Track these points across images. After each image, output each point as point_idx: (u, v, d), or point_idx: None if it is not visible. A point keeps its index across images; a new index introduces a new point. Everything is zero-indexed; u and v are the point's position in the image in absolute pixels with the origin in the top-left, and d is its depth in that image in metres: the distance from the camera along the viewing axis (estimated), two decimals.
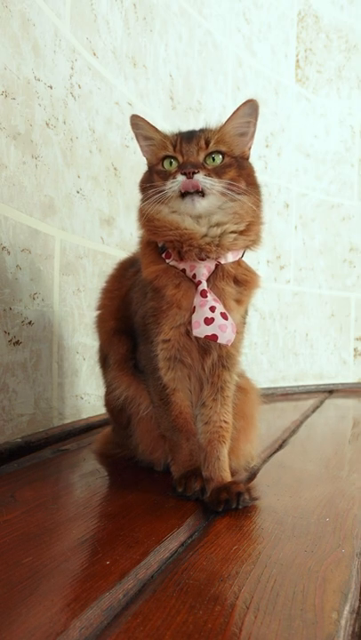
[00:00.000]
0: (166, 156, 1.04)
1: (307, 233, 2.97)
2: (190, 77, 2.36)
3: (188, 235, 1.01)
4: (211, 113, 2.44)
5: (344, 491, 1.12)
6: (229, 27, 2.59)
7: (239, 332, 1.08)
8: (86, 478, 1.14)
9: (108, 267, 1.85)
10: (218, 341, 1.00)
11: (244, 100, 1.05)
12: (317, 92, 3.01)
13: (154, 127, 1.09)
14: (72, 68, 1.62)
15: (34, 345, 1.43)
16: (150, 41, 2.08)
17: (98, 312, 1.31)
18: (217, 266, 1.03)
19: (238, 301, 1.07)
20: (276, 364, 2.83)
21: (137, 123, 1.10)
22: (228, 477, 1.04)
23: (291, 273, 2.90)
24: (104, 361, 1.27)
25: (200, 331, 1.00)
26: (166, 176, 1.02)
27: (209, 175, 0.99)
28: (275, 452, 1.43)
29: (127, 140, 1.94)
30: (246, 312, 1.14)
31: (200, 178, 0.98)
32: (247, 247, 1.07)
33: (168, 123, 2.14)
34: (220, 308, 1.00)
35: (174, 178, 1.00)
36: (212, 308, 0.99)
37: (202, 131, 1.06)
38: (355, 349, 3.12)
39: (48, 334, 1.51)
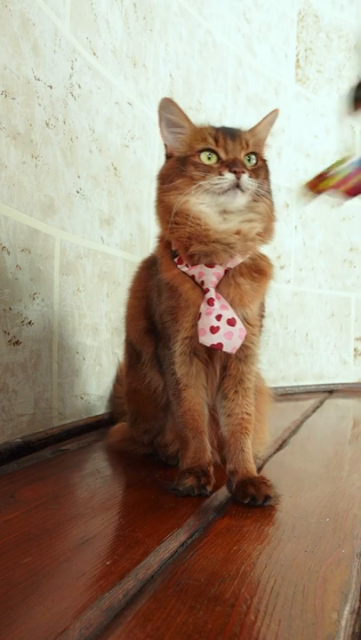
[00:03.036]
0: (206, 149, 1.02)
1: (307, 233, 2.97)
2: (190, 77, 2.35)
3: (203, 230, 1.01)
4: (211, 113, 2.44)
5: (344, 491, 1.12)
6: (229, 26, 2.59)
7: (255, 326, 1.09)
8: (86, 478, 1.14)
9: (109, 267, 1.86)
10: (223, 350, 1.02)
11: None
12: (318, 91, 3.00)
13: (185, 115, 1.07)
14: (72, 68, 1.62)
15: (34, 345, 1.43)
16: (150, 41, 2.08)
17: (127, 311, 1.32)
18: (226, 271, 1.04)
19: (253, 295, 1.08)
20: (276, 364, 2.83)
21: (168, 106, 1.06)
22: (253, 470, 1.05)
23: (291, 273, 2.90)
24: (137, 357, 1.28)
25: (205, 339, 1.01)
26: (206, 169, 1.01)
27: (250, 176, 1.02)
28: (275, 452, 1.43)
29: (127, 140, 1.94)
30: (263, 306, 1.16)
31: (245, 178, 1.00)
32: (262, 243, 1.10)
33: None
34: (227, 314, 1.01)
35: (220, 174, 0.99)
36: (219, 317, 1.01)
37: (239, 130, 1.07)
38: (355, 349, 3.12)
39: (48, 334, 1.51)
